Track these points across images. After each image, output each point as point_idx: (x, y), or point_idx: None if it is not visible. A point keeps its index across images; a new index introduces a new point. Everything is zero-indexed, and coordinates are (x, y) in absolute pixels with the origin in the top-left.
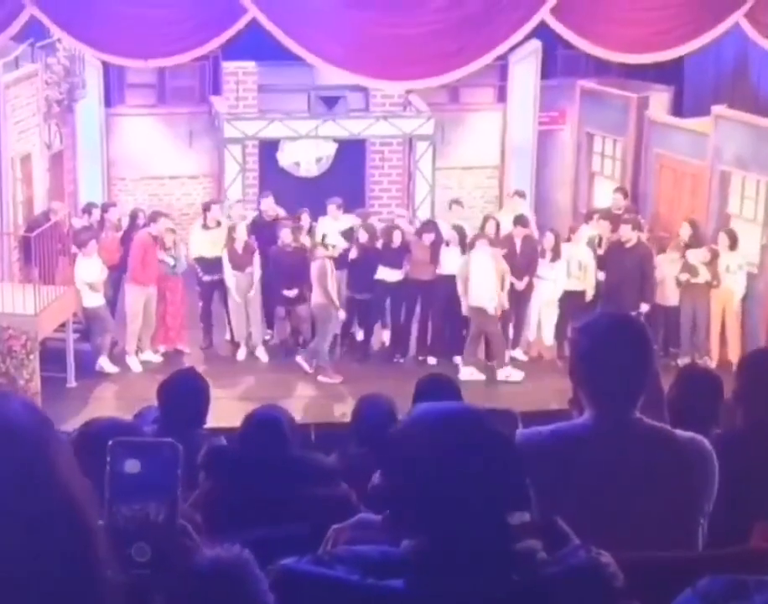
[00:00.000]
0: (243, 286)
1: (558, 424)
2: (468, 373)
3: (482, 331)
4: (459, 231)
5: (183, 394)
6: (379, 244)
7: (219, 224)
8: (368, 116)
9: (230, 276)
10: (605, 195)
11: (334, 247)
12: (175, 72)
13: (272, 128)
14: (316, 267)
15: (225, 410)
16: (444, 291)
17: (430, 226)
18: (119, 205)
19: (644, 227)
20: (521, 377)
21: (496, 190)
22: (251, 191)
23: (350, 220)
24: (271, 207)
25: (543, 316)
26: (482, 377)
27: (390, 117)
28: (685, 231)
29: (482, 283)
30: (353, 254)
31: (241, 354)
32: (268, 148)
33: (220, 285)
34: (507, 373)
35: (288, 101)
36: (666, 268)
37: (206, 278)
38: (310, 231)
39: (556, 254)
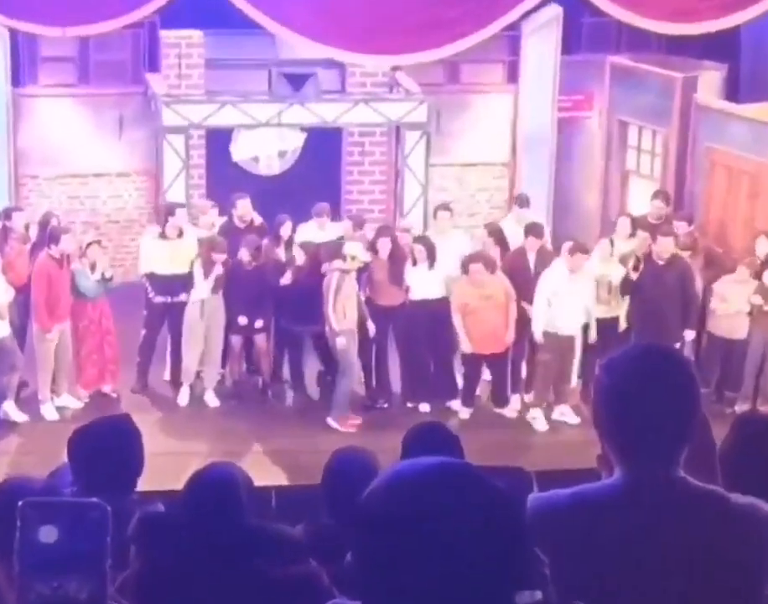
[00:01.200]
0: (210, 311)
1: (581, 487)
2: (539, 422)
3: (557, 366)
4: (425, 243)
5: (108, 448)
6: (324, 268)
7: (181, 233)
8: (344, 99)
9: (199, 297)
10: (642, 199)
11: (353, 258)
12: (101, 43)
13: (224, 114)
14: (326, 282)
15: (164, 469)
16: (422, 319)
17: (384, 232)
18: (28, 210)
19: (695, 241)
20: (578, 421)
21: (506, 192)
22: (196, 193)
23: (338, 229)
24: (247, 212)
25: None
26: (543, 425)
27: (372, 101)
28: (763, 247)
29: (573, 304)
30: (285, 281)
31: (184, 398)
32: (219, 140)
33: (175, 310)
34: (563, 411)
35: (243, 79)
36: (733, 291)
37: (159, 299)
38: (289, 244)
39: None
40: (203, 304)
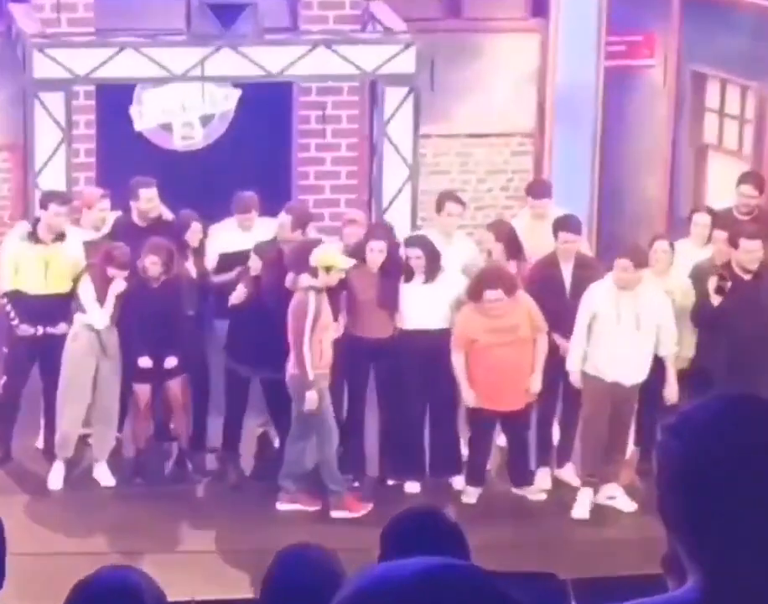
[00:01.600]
0: (102, 349)
1: (642, 601)
2: (579, 508)
3: (604, 426)
4: (425, 246)
5: None
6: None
7: (61, 236)
8: (297, 40)
9: (87, 329)
10: (726, 184)
11: (330, 269)
12: None
13: (122, 63)
14: (292, 307)
15: (35, 576)
16: (416, 359)
17: (378, 231)
18: None
19: None
20: (633, 507)
21: (529, 175)
22: (82, 176)
23: (269, 227)
24: (153, 205)
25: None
26: (584, 511)
27: (337, 44)
28: None
29: (624, 338)
30: (235, 298)
31: (56, 479)
32: (114, 100)
33: (50, 346)
34: (613, 493)
35: (149, 12)
36: None
37: (25, 330)
38: (198, 251)
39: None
40: (92, 338)
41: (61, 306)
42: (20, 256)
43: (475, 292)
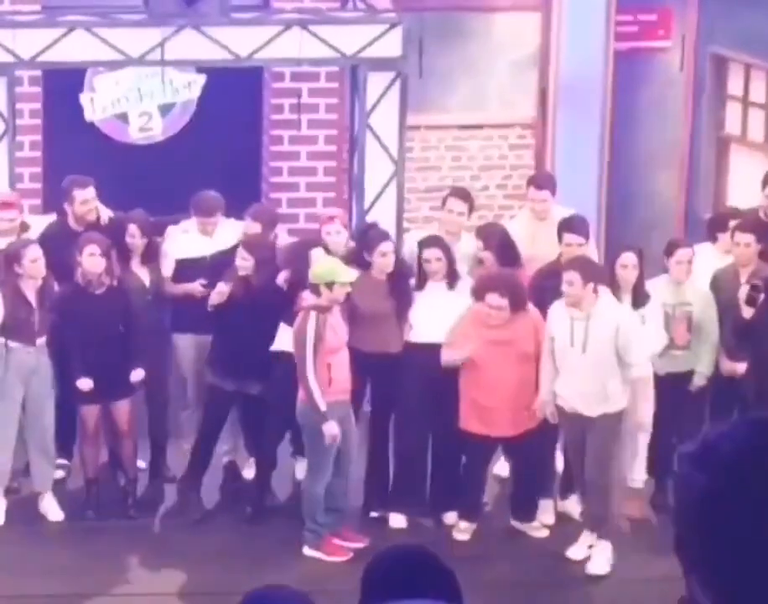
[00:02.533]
0: (26, 371)
1: None
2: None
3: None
4: (445, 249)
5: None
6: (281, 280)
7: None
8: (268, 20)
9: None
10: (751, 181)
11: (331, 285)
12: None
13: (72, 45)
14: (293, 331)
15: None
16: (426, 376)
17: (381, 234)
18: None
19: None
20: (604, 571)
21: (530, 170)
22: (27, 172)
23: (233, 231)
24: (90, 208)
25: (630, 431)
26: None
27: (313, 24)
28: None
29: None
30: (215, 299)
31: None
32: (63, 86)
33: None
34: (587, 543)
35: None
36: None
37: None
38: (148, 255)
39: (639, 291)
40: (16, 358)
41: None
42: None
43: (478, 293)
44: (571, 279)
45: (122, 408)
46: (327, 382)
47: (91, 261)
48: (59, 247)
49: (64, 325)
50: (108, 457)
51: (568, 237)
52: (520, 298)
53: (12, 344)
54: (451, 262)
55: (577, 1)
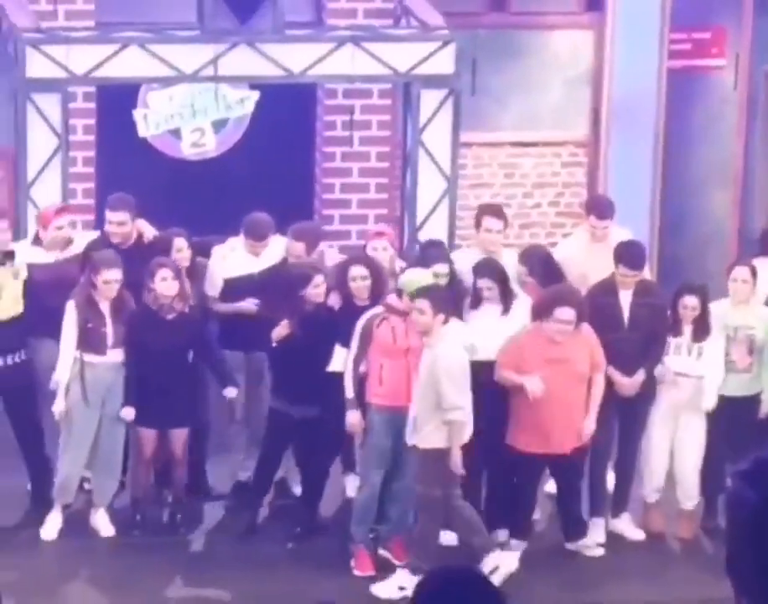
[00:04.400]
0: (102, 387)
1: None
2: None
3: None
4: (496, 275)
5: None
6: (333, 300)
7: (10, 256)
8: (322, 37)
9: (69, 366)
10: None
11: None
12: None
13: (126, 61)
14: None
15: None
16: (483, 393)
17: (434, 256)
18: None
19: None
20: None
21: (582, 188)
22: (80, 188)
23: (279, 247)
24: (124, 232)
25: (679, 448)
26: None
27: (366, 41)
28: None
29: None
30: (279, 333)
31: (51, 529)
32: (117, 102)
33: (10, 377)
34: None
35: (156, 6)
36: None
37: None
38: (193, 273)
39: (701, 325)
40: (96, 378)
41: (17, 332)
42: None
43: (545, 309)
44: (422, 308)
45: (180, 436)
46: (377, 381)
47: (164, 285)
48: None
49: (130, 346)
50: (155, 476)
51: (623, 270)
52: (584, 312)
53: (87, 358)
54: (504, 284)
55: (630, 19)
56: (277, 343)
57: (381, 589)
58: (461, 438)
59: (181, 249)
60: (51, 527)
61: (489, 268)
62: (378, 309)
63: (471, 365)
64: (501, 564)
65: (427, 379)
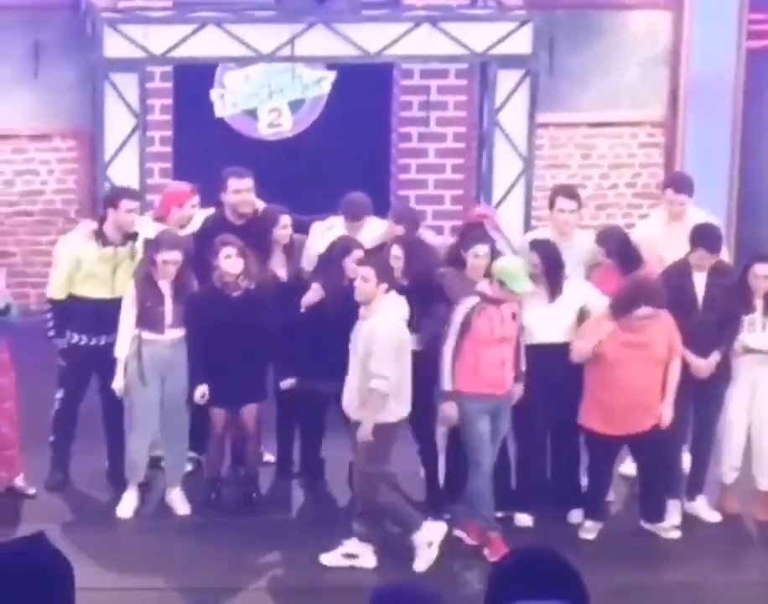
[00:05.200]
0: (160, 364)
1: None
2: None
3: None
4: (547, 253)
5: (21, 588)
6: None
7: (134, 236)
8: (398, 17)
9: (130, 341)
10: None
11: (503, 284)
12: None
13: (203, 41)
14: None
15: None
16: (537, 376)
17: (476, 238)
18: None
19: None
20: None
21: (659, 169)
22: (156, 167)
23: (374, 232)
24: (247, 199)
25: (757, 426)
26: None
27: (443, 21)
28: None
29: None
30: (311, 298)
31: (127, 508)
32: (194, 82)
33: (109, 357)
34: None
35: None
36: None
37: (77, 339)
38: (289, 249)
39: None
40: (154, 355)
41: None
42: (85, 259)
43: (625, 309)
44: (366, 275)
45: (250, 412)
46: (473, 371)
47: (229, 263)
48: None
49: (195, 327)
50: (231, 454)
51: (702, 254)
52: (663, 301)
53: (145, 335)
54: (551, 266)
55: (708, 2)
56: (306, 310)
57: (328, 558)
58: (378, 409)
59: (286, 226)
60: (127, 505)
61: (541, 246)
62: (472, 298)
63: (531, 349)
64: (433, 538)
65: (363, 351)
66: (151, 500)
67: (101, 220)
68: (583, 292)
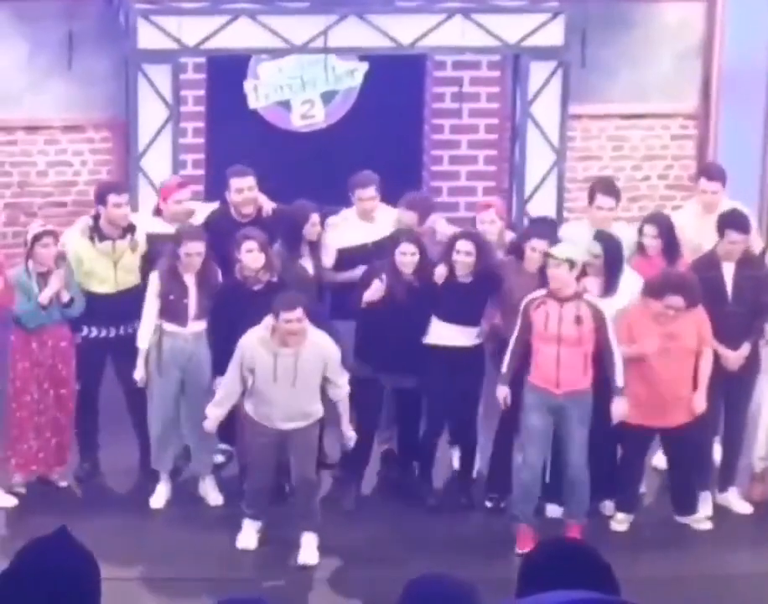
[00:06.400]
0: (181, 356)
1: None
2: None
3: None
4: (608, 242)
5: (48, 585)
6: (439, 273)
7: (131, 229)
8: (431, 8)
9: (150, 334)
10: None
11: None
12: None
13: (236, 33)
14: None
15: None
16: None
17: (534, 231)
18: None
19: None
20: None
21: (692, 161)
22: (189, 158)
23: (392, 217)
24: (248, 198)
25: None
26: None
27: (475, 12)
28: None
29: None
30: (372, 295)
31: (159, 498)
32: (227, 73)
33: (124, 347)
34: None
35: None
36: None
37: (87, 331)
38: (314, 245)
39: None
40: (175, 346)
41: (132, 303)
42: (84, 255)
43: (657, 292)
44: (297, 315)
45: None
46: (534, 364)
47: (250, 257)
48: (220, 235)
49: (219, 320)
50: None
51: (731, 234)
52: (697, 298)
53: (167, 327)
54: (614, 263)
55: None
56: (367, 306)
57: (304, 557)
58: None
59: (315, 223)
60: (159, 496)
61: (606, 239)
62: (539, 291)
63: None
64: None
65: (313, 366)
66: (184, 491)
67: (96, 217)
68: (634, 285)
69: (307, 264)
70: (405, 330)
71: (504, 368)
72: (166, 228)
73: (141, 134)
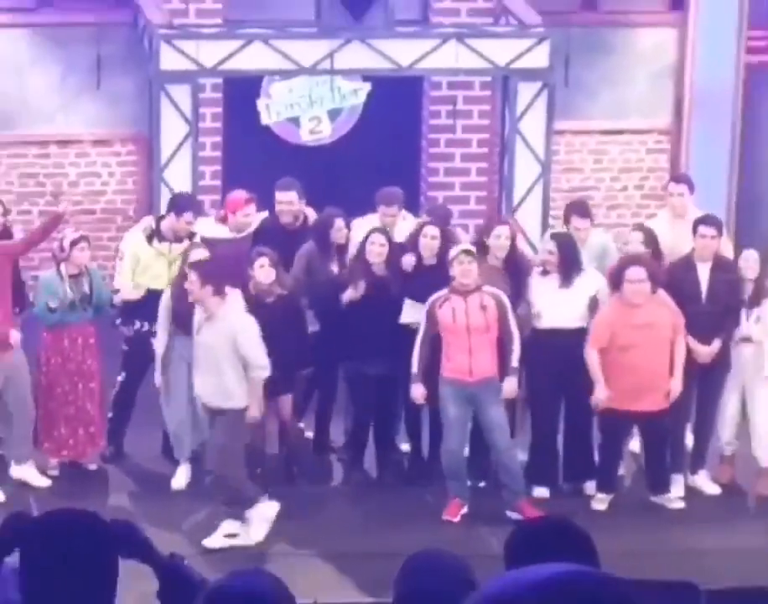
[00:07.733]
0: (189, 361)
1: None
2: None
3: None
4: (563, 241)
5: (73, 557)
6: (407, 262)
7: (189, 236)
8: (428, 33)
9: (165, 339)
10: None
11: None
12: None
13: (250, 55)
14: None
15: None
16: (551, 359)
17: (497, 221)
18: None
19: None
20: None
21: (665, 173)
22: (208, 170)
23: (406, 229)
24: (288, 210)
25: (754, 407)
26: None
27: (469, 37)
28: None
29: None
30: (351, 296)
31: (181, 478)
32: (242, 92)
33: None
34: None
35: (278, 4)
36: None
37: (140, 326)
38: (341, 248)
39: (757, 291)
40: (181, 346)
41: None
42: (142, 254)
43: (616, 276)
44: (191, 279)
45: (285, 402)
46: (446, 357)
47: (262, 272)
48: (269, 242)
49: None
50: (279, 433)
51: (703, 229)
52: (657, 275)
53: (179, 335)
54: (567, 256)
55: (711, 17)
56: (348, 305)
57: (211, 541)
58: (260, 393)
59: (341, 228)
60: (179, 478)
61: (559, 236)
62: (442, 291)
63: (536, 332)
64: (269, 514)
65: (228, 348)
66: (202, 473)
67: (159, 219)
68: (596, 282)
69: (333, 266)
70: (380, 318)
71: (414, 368)
72: (227, 234)
73: (163, 148)
